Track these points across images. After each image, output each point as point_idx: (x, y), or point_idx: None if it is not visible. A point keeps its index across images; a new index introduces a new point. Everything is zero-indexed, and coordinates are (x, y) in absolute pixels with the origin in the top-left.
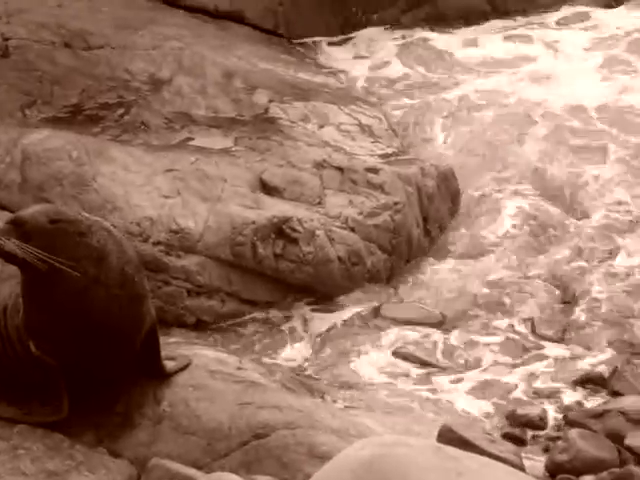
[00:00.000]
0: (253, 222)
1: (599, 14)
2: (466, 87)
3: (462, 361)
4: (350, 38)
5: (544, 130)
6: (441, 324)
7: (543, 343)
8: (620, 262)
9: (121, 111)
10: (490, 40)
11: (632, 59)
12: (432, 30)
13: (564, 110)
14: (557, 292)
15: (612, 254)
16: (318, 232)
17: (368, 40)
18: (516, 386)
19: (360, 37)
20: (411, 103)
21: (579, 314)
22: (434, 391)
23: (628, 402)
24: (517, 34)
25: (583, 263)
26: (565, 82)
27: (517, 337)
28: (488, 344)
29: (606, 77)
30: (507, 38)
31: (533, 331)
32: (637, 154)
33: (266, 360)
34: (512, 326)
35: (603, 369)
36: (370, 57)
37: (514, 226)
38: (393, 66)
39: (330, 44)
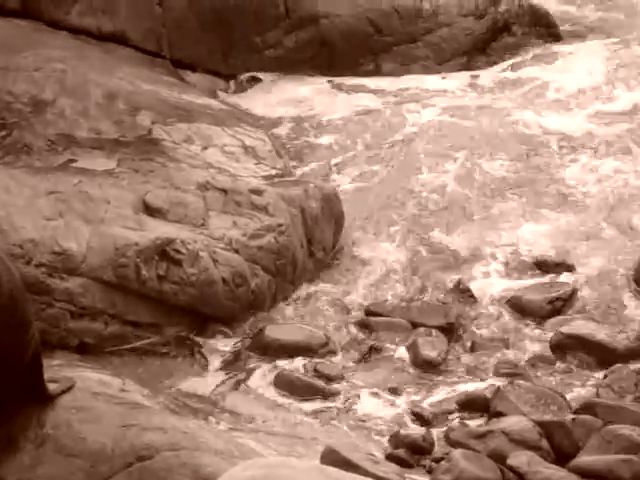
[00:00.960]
0: (136, 244)
1: None
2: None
3: (346, 384)
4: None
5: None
6: (325, 345)
7: (427, 366)
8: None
9: (3, 133)
10: None
11: None
12: None
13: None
14: (443, 313)
15: None
16: (202, 254)
17: None
18: (401, 408)
19: None
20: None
21: (462, 336)
22: (319, 413)
23: (510, 422)
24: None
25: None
26: None
27: (402, 359)
28: (375, 367)
29: None
30: None
31: (417, 353)
32: None
33: (150, 382)
34: (394, 349)
35: (486, 390)
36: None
37: (398, 248)
38: (280, 85)
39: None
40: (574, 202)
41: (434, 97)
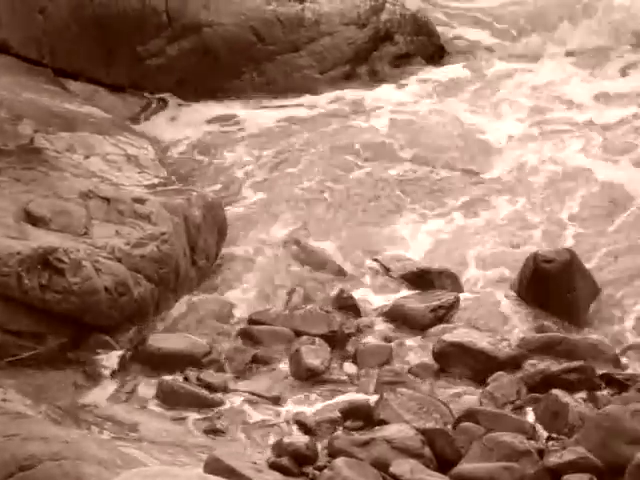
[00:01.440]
0: (18, 253)
1: None
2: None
3: (229, 393)
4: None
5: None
6: (208, 354)
7: (310, 374)
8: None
9: None
10: None
11: None
12: None
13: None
14: (326, 322)
15: None
16: (84, 263)
17: None
18: (285, 416)
19: None
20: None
21: (346, 344)
22: (202, 422)
23: (393, 430)
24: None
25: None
26: None
27: (285, 368)
28: (259, 375)
29: None
30: None
31: (300, 362)
32: None
33: (32, 392)
34: (277, 358)
35: (369, 398)
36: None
37: (282, 256)
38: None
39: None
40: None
41: (328, 117)
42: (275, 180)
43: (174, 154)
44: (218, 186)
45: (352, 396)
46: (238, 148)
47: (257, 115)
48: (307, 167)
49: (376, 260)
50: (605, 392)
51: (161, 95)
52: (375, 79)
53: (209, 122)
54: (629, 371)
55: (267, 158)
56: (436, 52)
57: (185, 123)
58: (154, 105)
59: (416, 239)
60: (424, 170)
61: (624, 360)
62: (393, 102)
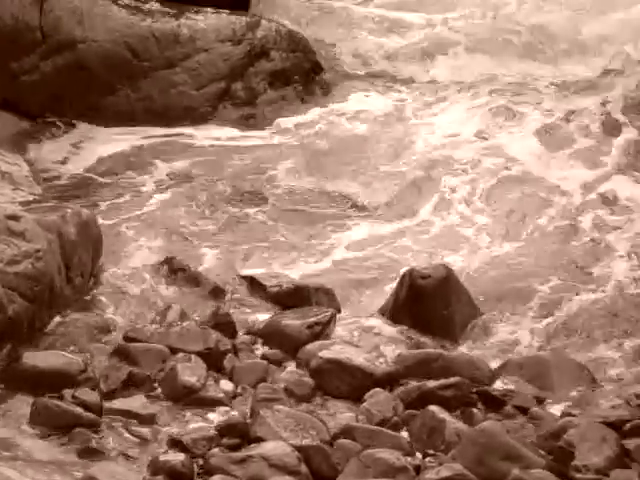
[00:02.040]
0: None
1: None
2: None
3: (105, 411)
4: None
5: None
6: (83, 372)
7: (186, 391)
8: None
9: None
10: None
11: None
12: None
13: None
14: (202, 339)
15: None
16: None
17: None
18: (160, 434)
19: None
20: None
21: (222, 361)
22: (78, 440)
23: (269, 447)
24: None
25: None
26: None
27: (161, 385)
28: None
29: None
30: None
31: (176, 379)
32: None
33: None
34: (153, 375)
35: (245, 415)
36: None
37: (157, 273)
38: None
39: None
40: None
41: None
42: (157, 200)
43: (51, 171)
44: (96, 203)
45: (228, 413)
46: (117, 167)
47: (141, 136)
48: (188, 190)
49: (252, 277)
50: (481, 408)
51: (36, 112)
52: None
53: (88, 140)
54: (505, 387)
55: (150, 179)
56: (312, 68)
57: (64, 140)
58: (29, 122)
59: (293, 256)
60: (298, 199)
61: (500, 377)
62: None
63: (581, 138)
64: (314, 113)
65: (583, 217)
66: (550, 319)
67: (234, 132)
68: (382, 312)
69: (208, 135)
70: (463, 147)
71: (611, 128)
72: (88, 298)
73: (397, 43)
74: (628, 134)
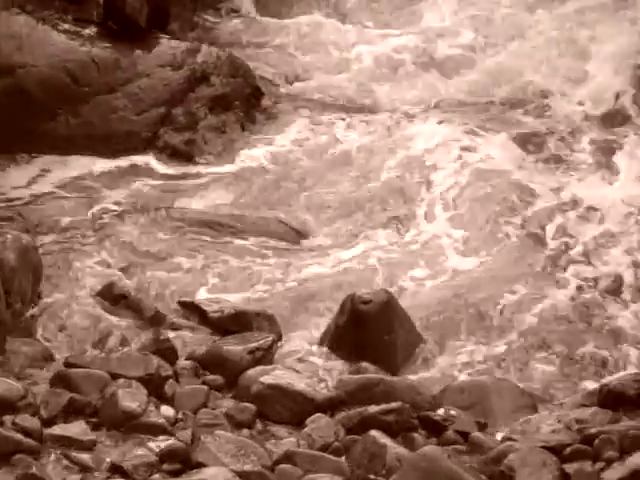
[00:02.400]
0: None
1: None
2: None
3: (44, 437)
4: None
5: None
6: (23, 398)
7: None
8: None
9: None
10: None
11: None
12: None
13: None
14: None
15: None
16: None
17: None
18: (101, 460)
19: None
20: None
21: (163, 387)
22: (19, 466)
23: (210, 473)
24: None
25: None
26: None
27: (101, 410)
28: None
29: None
30: None
31: (116, 405)
32: None
33: None
34: (94, 400)
35: (186, 441)
36: None
37: (97, 297)
38: None
39: None
40: None
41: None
42: (98, 226)
43: None
44: (36, 229)
45: (169, 439)
46: (59, 193)
47: (82, 162)
48: (129, 218)
49: (193, 303)
50: (422, 433)
51: None
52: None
53: (28, 166)
54: (446, 412)
55: (93, 206)
56: (253, 93)
57: (5, 165)
58: None
59: (236, 282)
60: (241, 226)
61: (441, 401)
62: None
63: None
64: (255, 140)
65: (549, 224)
66: (496, 343)
67: (173, 159)
68: (324, 337)
69: (148, 162)
70: (413, 167)
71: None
72: (29, 324)
73: (341, 66)
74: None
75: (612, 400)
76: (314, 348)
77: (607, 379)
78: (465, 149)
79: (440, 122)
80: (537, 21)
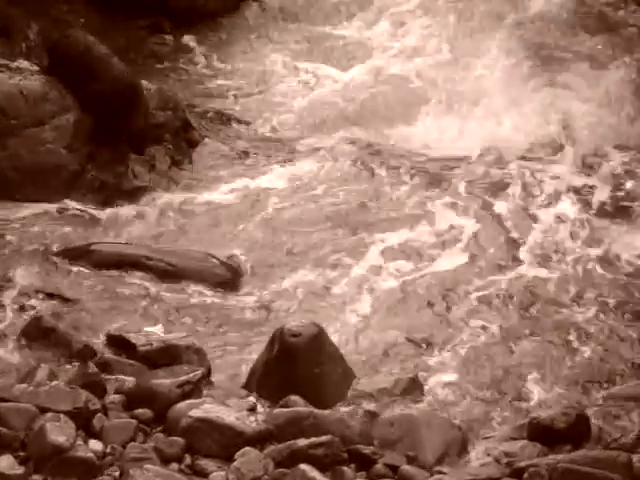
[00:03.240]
0: None
1: None
2: None
3: None
4: None
5: None
6: None
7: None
8: None
9: None
10: None
11: None
12: None
13: None
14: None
15: None
16: None
17: None
18: None
19: None
20: None
21: (92, 420)
22: None
23: None
24: None
25: None
26: None
27: (32, 445)
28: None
29: None
30: None
31: (44, 439)
32: None
33: None
34: (22, 434)
35: (115, 475)
36: None
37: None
38: None
39: None
40: None
41: None
42: (25, 258)
43: None
44: None
45: (97, 473)
46: None
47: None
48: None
49: (122, 336)
50: (352, 467)
51: None
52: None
53: None
54: (375, 446)
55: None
56: (183, 127)
57: None
58: None
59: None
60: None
61: (371, 435)
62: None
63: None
64: (184, 174)
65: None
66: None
67: (101, 193)
68: (253, 370)
69: (73, 196)
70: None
71: None
72: None
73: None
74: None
75: (541, 433)
76: (244, 381)
77: (536, 412)
78: None
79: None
80: None
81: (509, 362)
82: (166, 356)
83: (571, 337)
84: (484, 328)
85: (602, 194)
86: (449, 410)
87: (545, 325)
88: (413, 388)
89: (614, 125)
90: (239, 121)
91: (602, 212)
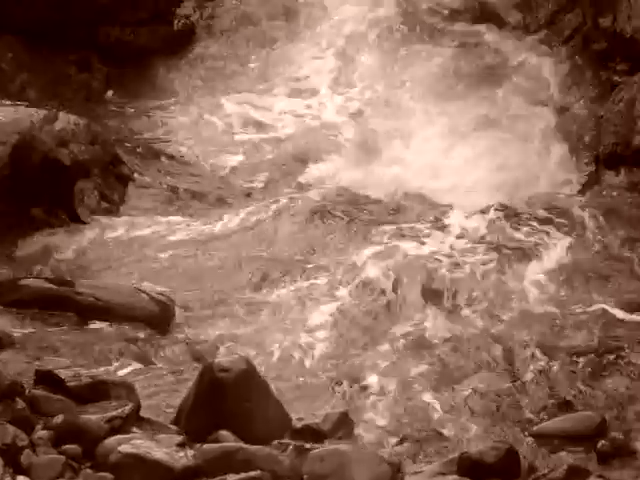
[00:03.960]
0: None
1: None
2: None
3: None
4: None
5: None
6: None
7: None
8: None
9: None
10: None
11: None
12: None
13: None
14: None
15: None
16: None
17: None
18: None
19: None
20: None
21: (19, 457)
22: None
23: None
24: None
25: None
26: None
27: None
28: None
29: None
30: None
31: None
32: None
33: None
34: None
35: None
36: None
37: None
38: None
39: None
40: None
41: None
42: None
43: None
44: None
45: None
46: None
47: None
48: None
49: (51, 372)
50: None
51: None
52: None
53: None
54: None
55: None
56: (111, 161)
57: None
58: None
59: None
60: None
61: (300, 469)
62: None
63: None
64: (112, 209)
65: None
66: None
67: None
68: (183, 406)
69: None
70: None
71: None
72: None
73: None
74: None
75: (471, 468)
76: (173, 416)
77: (466, 447)
78: None
79: None
80: None
81: (439, 398)
82: (95, 392)
83: (501, 373)
84: (413, 366)
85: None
86: (379, 446)
87: (471, 363)
88: (343, 423)
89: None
90: (169, 156)
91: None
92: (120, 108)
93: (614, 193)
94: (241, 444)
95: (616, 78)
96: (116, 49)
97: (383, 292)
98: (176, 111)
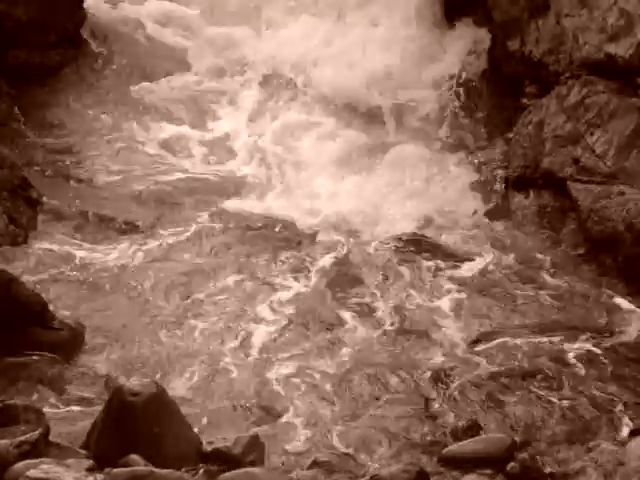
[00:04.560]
0: None
1: None
2: None
3: None
4: None
5: None
6: None
7: None
8: None
9: None
10: None
11: None
12: None
13: None
14: None
15: None
16: None
17: None
18: None
19: None
20: None
21: None
22: None
23: None
24: None
25: None
26: None
27: None
28: None
29: None
30: None
31: None
32: None
33: None
34: None
35: None
36: None
37: None
38: None
39: None
40: None
41: None
42: None
43: None
44: None
45: None
46: None
47: None
48: None
49: None
50: None
51: None
52: None
53: None
54: None
55: None
56: (20, 185)
57: None
58: None
59: None
60: None
61: None
62: None
63: None
64: (19, 238)
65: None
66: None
67: None
68: (92, 430)
69: None
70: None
71: None
72: None
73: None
74: None
75: None
76: (83, 440)
77: (376, 469)
78: None
79: None
80: None
81: (348, 424)
82: (3, 416)
83: (409, 397)
84: (324, 393)
85: None
86: (290, 469)
87: (378, 388)
88: (254, 447)
89: None
90: (78, 180)
91: None
92: (29, 131)
93: (523, 215)
94: (151, 468)
95: (525, 101)
96: (24, 70)
97: (290, 321)
98: (86, 134)
